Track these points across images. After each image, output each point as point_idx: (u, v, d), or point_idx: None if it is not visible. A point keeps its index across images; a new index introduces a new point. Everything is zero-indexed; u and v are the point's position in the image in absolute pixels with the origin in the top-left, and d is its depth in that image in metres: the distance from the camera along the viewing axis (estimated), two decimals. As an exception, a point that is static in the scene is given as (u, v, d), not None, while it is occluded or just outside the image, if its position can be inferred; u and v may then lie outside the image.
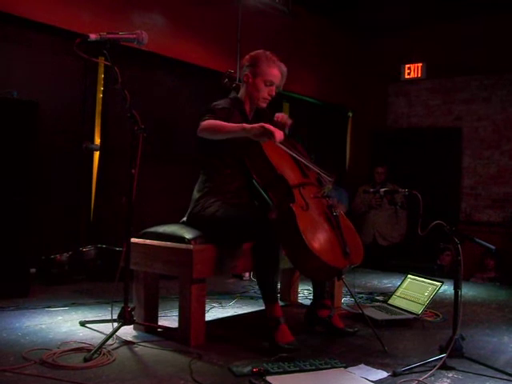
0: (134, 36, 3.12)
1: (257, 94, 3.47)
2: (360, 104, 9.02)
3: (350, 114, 9.22)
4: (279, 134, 3.08)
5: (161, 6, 5.92)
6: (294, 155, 3.39)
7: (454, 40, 8.17)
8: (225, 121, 3.21)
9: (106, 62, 3.06)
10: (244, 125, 3.15)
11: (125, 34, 3.11)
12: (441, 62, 8.30)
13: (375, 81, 8.96)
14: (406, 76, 8.68)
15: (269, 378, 2.53)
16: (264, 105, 3.53)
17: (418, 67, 8.57)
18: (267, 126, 3.07)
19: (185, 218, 3.51)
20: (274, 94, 3.53)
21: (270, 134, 3.05)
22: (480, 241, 3.04)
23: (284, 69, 3.52)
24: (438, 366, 2.75)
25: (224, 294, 4.72)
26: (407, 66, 8.65)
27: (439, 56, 8.31)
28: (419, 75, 8.56)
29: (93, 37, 2.99)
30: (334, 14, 8.15)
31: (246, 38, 6.62)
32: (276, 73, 3.47)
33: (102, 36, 3.02)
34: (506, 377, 2.72)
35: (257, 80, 3.45)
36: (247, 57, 3.54)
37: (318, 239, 3.17)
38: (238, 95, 3.55)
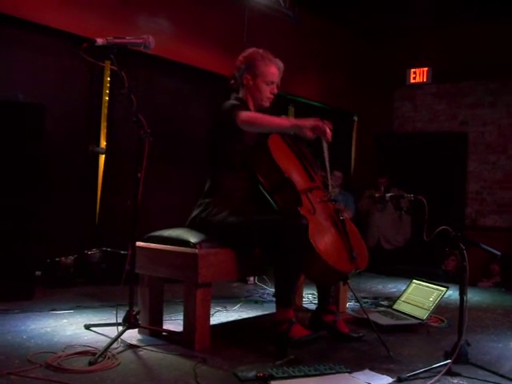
0: (141, 41, 3.12)
1: (260, 95, 3.47)
2: (365, 108, 9.01)
3: (356, 118, 9.22)
4: (330, 133, 3.17)
5: (167, 10, 5.94)
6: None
7: (459, 45, 8.17)
8: None
9: (113, 67, 3.07)
10: (295, 121, 3.21)
11: (131, 38, 3.11)
12: (446, 66, 8.30)
13: (381, 85, 8.96)
14: (412, 80, 8.68)
15: (273, 383, 2.53)
16: (268, 104, 3.52)
17: (423, 72, 8.56)
18: (319, 121, 3.14)
19: (189, 221, 3.51)
20: (276, 91, 3.53)
21: (323, 132, 3.16)
22: (486, 247, 3.03)
23: (281, 64, 3.52)
24: (443, 372, 2.73)
25: (229, 298, 4.72)
26: (413, 70, 8.65)
27: (445, 61, 8.30)
28: (425, 80, 8.56)
29: (100, 41, 2.99)
30: (340, 18, 8.15)
31: (252, 42, 6.58)
32: (274, 71, 3.48)
33: (108, 41, 3.02)
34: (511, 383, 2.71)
35: (257, 81, 3.45)
36: (241, 58, 3.52)
37: (325, 243, 3.19)
38: (240, 96, 3.54)
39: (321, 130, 3.18)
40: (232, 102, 3.41)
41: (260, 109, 3.55)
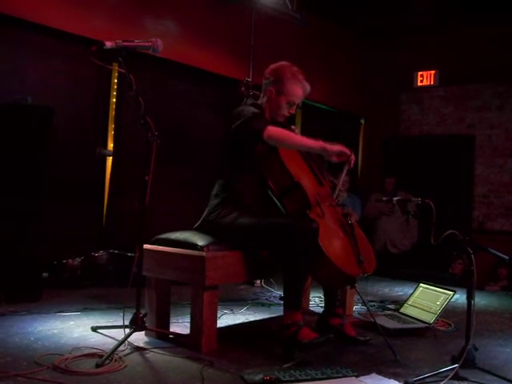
0: (150, 44, 3.13)
1: (277, 111, 3.47)
2: (372, 111, 9.00)
3: (362, 121, 9.22)
4: (354, 158, 3.23)
5: (175, 13, 5.95)
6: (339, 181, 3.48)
7: (467, 48, 8.14)
8: None
9: (121, 69, 3.08)
10: (323, 144, 3.20)
11: (140, 41, 3.13)
12: (454, 69, 8.27)
13: (387, 88, 8.93)
14: (419, 83, 8.66)
15: (280, 387, 2.54)
16: (281, 120, 3.52)
17: (430, 75, 8.54)
18: (346, 148, 3.18)
19: (198, 223, 3.51)
20: (294, 112, 3.54)
21: (349, 159, 3.22)
22: (493, 251, 3.03)
23: (308, 88, 3.49)
24: (450, 377, 2.73)
25: (236, 301, 4.72)
26: (420, 73, 8.63)
27: (452, 64, 8.27)
28: (432, 83, 8.54)
29: (109, 44, 3.00)
30: (347, 21, 8.15)
31: (259, 45, 6.64)
32: (300, 94, 3.46)
33: (117, 44, 3.03)
34: (519, 388, 2.70)
35: (280, 98, 3.43)
36: (271, 69, 3.49)
37: (334, 246, 3.20)
38: (259, 102, 3.53)
39: (346, 156, 3.21)
40: (252, 109, 3.35)
41: (273, 121, 3.54)
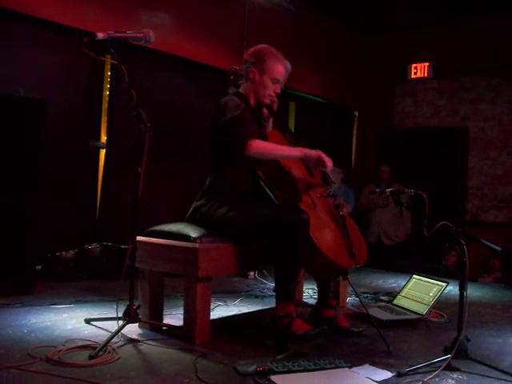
0: (141, 35, 3.12)
1: (263, 92, 3.47)
2: (366, 103, 9.01)
3: (356, 114, 9.21)
4: (330, 164, 3.30)
5: (167, 5, 5.93)
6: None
7: (460, 40, 8.14)
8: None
9: (113, 61, 3.07)
10: (303, 149, 3.31)
11: (132, 32, 3.11)
12: (448, 61, 8.27)
13: (381, 80, 8.94)
14: (413, 76, 8.66)
15: (273, 378, 2.54)
16: (268, 102, 3.52)
17: (424, 67, 8.54)
18: (323, 155, 3.27)
19: (189, 214, 3.51)
20: (279, 91, 3.53)
21: (324, 164, 3.30)
22: (486, 242, 3.03)
23: (289, 66, 3.54)
24: (442, 367, 2.74)
25: (229, 293, 4.73)
26: (414, 65, 8.63)
27: (446, 56, 8.27)
28: (426, 75, 8.54)
29: (100, 36, 2.99)
30: (341, 13, 8.13)
31: (253, 37, 6.61)
32: (282, 70, 3.50)
33: (109, 35, 3.01)
34: (511, 378, 2.71)
35: (264, 77, 3.45)
36: (251, 52, 3.53)
37: (325, 238, 3.20)
38: (241, 91, 3.54)
39: (323, 162, 3.30)
40: (235, 101, 3.36)
41: (260, 104, 3.55)
